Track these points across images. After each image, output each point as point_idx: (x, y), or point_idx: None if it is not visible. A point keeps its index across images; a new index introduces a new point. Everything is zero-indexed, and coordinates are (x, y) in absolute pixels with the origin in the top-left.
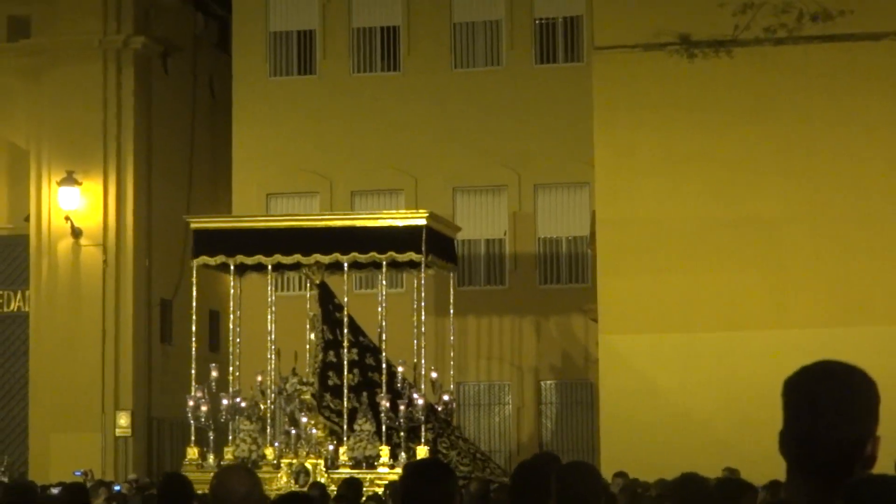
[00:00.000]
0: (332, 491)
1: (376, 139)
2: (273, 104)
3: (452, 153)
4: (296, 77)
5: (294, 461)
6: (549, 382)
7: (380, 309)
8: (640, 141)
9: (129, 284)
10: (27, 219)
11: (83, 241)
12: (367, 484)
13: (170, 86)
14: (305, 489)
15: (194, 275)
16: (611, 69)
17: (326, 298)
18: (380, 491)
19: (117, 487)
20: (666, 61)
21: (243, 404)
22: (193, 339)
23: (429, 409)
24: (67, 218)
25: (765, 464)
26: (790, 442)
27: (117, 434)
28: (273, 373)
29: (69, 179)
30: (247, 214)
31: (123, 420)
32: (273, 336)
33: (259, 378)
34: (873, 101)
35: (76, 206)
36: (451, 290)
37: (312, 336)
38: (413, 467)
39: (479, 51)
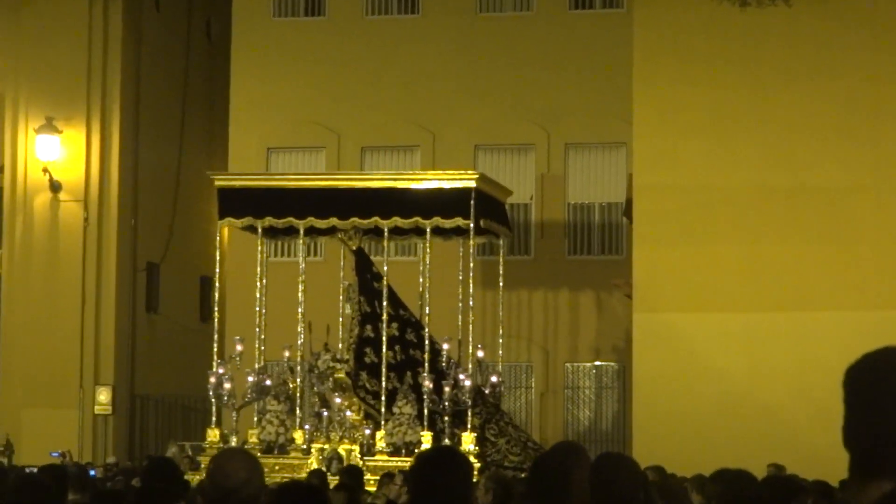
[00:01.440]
0: (369, 480)
1: (391, 90)
2: (276, 48)
3: (475, 107)
4: (302, 18)
5: (326, 446)
6: (576, 365)
7: (421, 280)
8: (685, 98)
9: (113, 245)
10: (0, 170)
11: (62, 195)
12: None
13: (162, 25)
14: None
15: (217, 237)
16: (654, 17)
17: (364, 267)
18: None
19: (92, 472)
20: (715, 9)
21: (268, 382)
22: (216, 309)
23: (476, 391)
24: (45, 170)
25: (811, 462)
26: (853, 438)
27: (96, 411)
28: (302, 348)
29: (48, 126)
30: (277, 173)
31: (103, 396)
32: (303, 308)
33: (286, 354)
34: None
35: (55, 157)
36: (501, 259)
37: (347, 308)
38: (424, 456)
39: None
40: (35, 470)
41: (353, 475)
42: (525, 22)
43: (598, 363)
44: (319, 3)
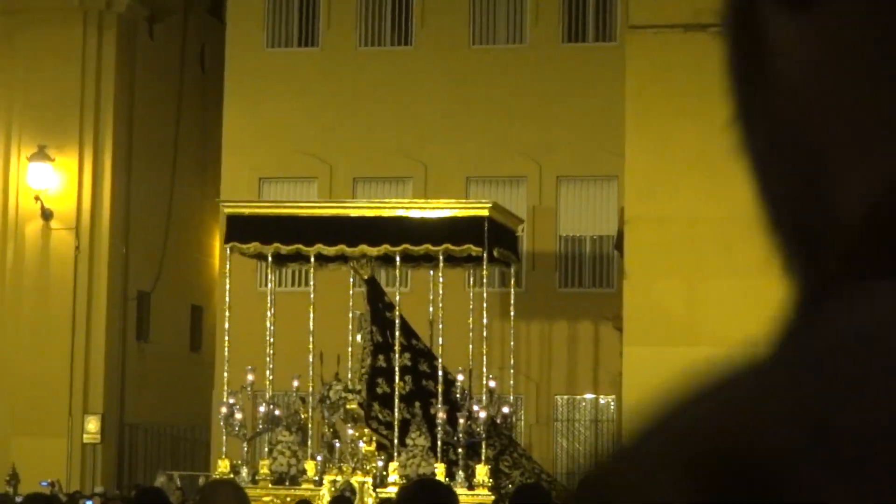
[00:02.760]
0: None
1: (383, 121)
2: (269, 78)
3: (467, 139)
4: (296, 49)
5: (339, 478)
6: (565, 397)
7: (431, 309)
8: (677, 131)
9: (104, 274)
10: None
11: (54, 223)
12: None
13: (156, 54)
14: None
15: (228, 263)
16: (646, 51)
17: (376, 296)
18: None
19: (89, 502)
20: (708, 44)
21: (277, 412)
22: (227, 338)
23: (490, 423)
24: (37, 198)
25: None
26: None
27: (85, 440)
28: (312, 378)
29: (41, 154)
30: (286, 200)
31: (92, 425)
32: (313, 338)
33: (295, 384)
34: None
35: (48, 185)
36: (512, 289)
37: (359, 338)
38: (406, 488)
39: (500, 25)
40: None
41: None
42: (518, 54)
43: (588, 396)
44: (313, 33)
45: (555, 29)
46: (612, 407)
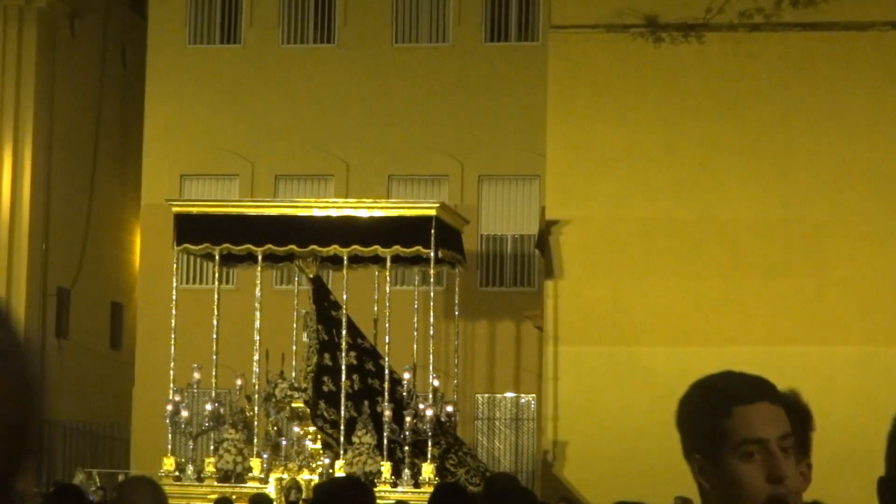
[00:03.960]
0: None
1: (305, 119)
2: (191, 75)
3: (389, 137)
4: (218, 46)
5: (285, 475)
6: (485, 396)
7: (376, 308)
8: (598, 132)
9: (23, 270)
10: None
11: None
12: None
13: (77, 50)
14: None
15: (175, 261)
16: (568, 51)
17: (322, 295)
18: None
19: None
20: (629, 45)
21: (220, 410)
22: (173, 336)
23: (435, 421)
24: None
25: None
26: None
27: None
28: (257, 377)
29: None
30: (236, 199)
31: None
32: (259, 337)
33: (239, 382)
34: (855, 96)
35: None
36: (457, 288)
37: (305, 336)
38: (322, 486)
39: (423, 24)
40: None
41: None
42: (440, 53)
43: (509, 394)
44: (235, 31)
45: (477, 28)
46: (532, 406)
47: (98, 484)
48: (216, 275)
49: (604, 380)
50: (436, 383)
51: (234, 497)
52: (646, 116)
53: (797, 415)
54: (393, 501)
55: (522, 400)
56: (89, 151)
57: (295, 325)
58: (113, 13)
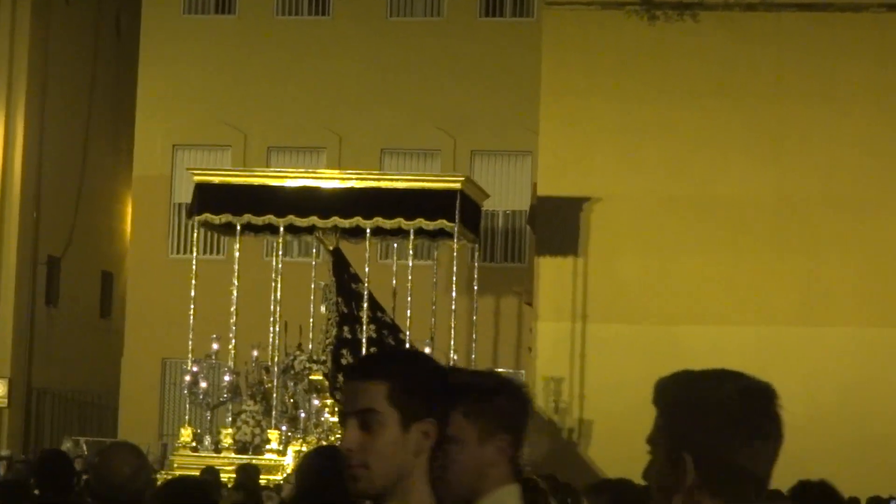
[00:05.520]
0: None
1: (298, 91)
2: (185, 45)
3: (382, 111)
4: (212, 16)
5: (303, 447)
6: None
7: (394, 282)
8: (591, 109)
9: (14, 238)
10: None
11: None
12: None
13: (71, 18)
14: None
15: (195, 232)
16: (563, 27)
17: (341, 267)
18: None
19: None
20: (624, 22)
21: (238, 381)
22: (192, 306)
23: None
24: None
25: None
26: None
27: None
28: (273, 349)
29: None
30: (257, 168)
31: None
32: (278, 308)
33: (255, 353)
34: (849, 76)
35: None
36: (477, 263)
37: (323, 309)
38: (309, 454)
39: None
40: None
41: (249, 474)
42: (434, 27)
43: (499, 370)
44: (230, 1)
45: (472, 3)
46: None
47: (85, 452)
48: (237, 246)
49: (591, 354)
50: (454, 358)
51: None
52: (639, 93)
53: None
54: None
55: (514, 374)
56: (82, 120)
57: (312, 298)
58: None
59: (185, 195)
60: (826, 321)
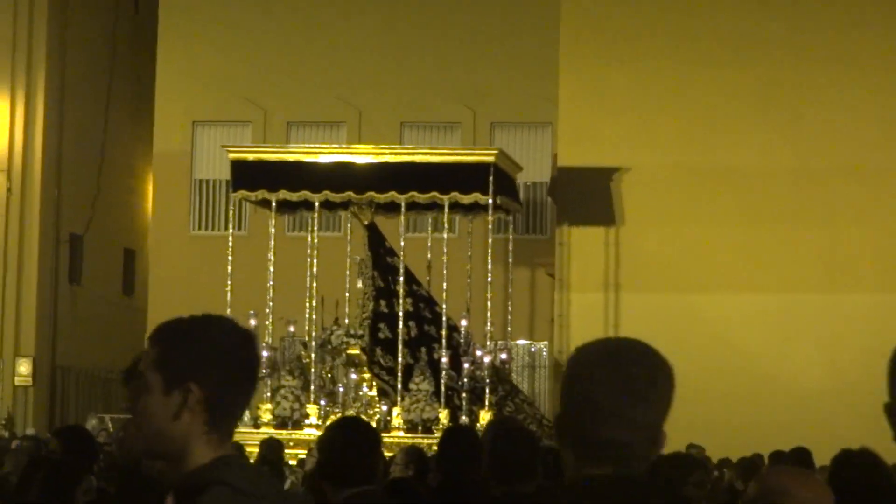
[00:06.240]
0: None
1: (318, 65)
2: (203, 22)
3: (401, 84)
4: None
5: None
6: (499, 343)
7: (429, 256)
8: (609, 79)
9: (36, 216)
10: None
11: None
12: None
13: None
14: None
15: (233, 209)
16: None
17: (377, 241)
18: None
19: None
20: None
21: (276, 357)
22: (229, 283)
23: (493, 368)
24: None
25: (733, 438)
26: None
27: (17, 383)
28: (308, 323)
29: None
30: (292, 144)
31: (24, 367)
32: (314, 283)
33: (291, 329)
34: (867, 41)
35: None
36: (511, 235)
37: (360, 283)
38: (331, 426)
39: None
40: None
41: (273, 447)
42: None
43: (521, 342)
44: None
45: None
46: (544, 353)
47: (110, 429)
48: (273, 221)
49: (615, 325)
50: (489, 329)
51: (290, 443)
52: (657, 64)
53: None
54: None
55: (534, 348)
56: (102, 98)
57: (348, 273)
58: None
59: (205, 171)
60: (847, 288)
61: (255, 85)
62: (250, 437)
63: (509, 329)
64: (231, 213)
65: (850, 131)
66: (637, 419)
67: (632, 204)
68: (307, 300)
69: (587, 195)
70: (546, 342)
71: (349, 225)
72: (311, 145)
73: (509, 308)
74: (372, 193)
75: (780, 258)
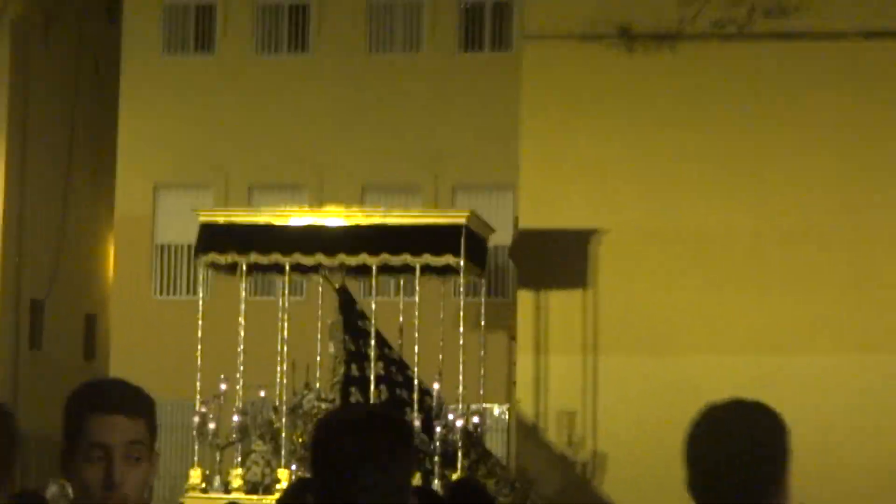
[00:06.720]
0: None
1: (278, 128)
2: (165, 85)
3: (363, 147)
4: (192, 56)
5: None
6: (471, 406)
7: (401, 319)
8: (571, 141)
9: None
10: None
11: None
12: None
13: (50, 59)
14: None
15: (202, 274)
16: (542, 60)
17: (348, 305)
18: None
19: None
20: (603, 54)
21: (247, 421)
22: (199, 346)
23: (465, 432)
24: None
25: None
26: None
27: None
28: (280, 388)
29: None
30: (262, 208)
31: None
32: (284, 347)
33: (262, 393)
34: (827, 105)
35: None
36: (483, 298)
37: (331, 347)
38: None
39: (397, 34)
40: None
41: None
42: (414, 62)
43: (484, 405)
44: (209, 40)
45: (451, 37)
46: (505, 416)
47: (70, 496)
48: (243, 285)
49: (574, 388)
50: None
51: None
52: (619, 126)
53: None
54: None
55: (497, 411)
56: (63, 161)
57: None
58: (87, 22)
59: (166, 235)
60: (806, 350)
61: (216, 148)
62: (219, 503)
63: (482, 392)
64: (201, 276)
65: (806, 195)
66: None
67: (595, 266)
68: (278, 364)
69: (549, 258)
70: (507, 405)
71: (320, 289)
72: (280, 209)
73: (482, 372)
74: (342, 256)
75: (733, 319)
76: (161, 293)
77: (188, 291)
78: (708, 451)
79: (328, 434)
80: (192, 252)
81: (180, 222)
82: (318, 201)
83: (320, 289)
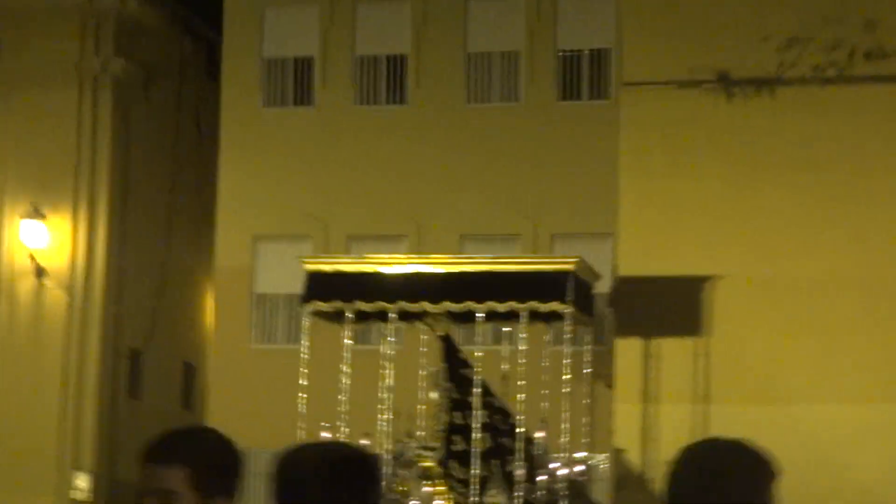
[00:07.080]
0: None
1: (378, 179)
2: (265, 138)
3: (462, 197)
4: (291, 108)
5: None
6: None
7: (504, 367)
8: (671, 189)
9: (96, 332)
10: None
11: (47, 281)
12: None
13: (151, 115)
14: None
15: (303, 322)
16: (640, 108)
17: (451, 353)
18: None
19: None
20: (702, 99)
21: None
22: (303, 395)
23: (570, 482)
24: (31, 256)
25: None
26: None
27: (76, 498)
28: (383, 436)
29: (34, 213)
30: (366, 256)
31: (82, 482)
32: (389, 395)
33: (366, 442)
34: None
35: (41, 244)
36: (591, 347)
37: (435, 395)
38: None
39: (495, 84)
40: None
41: None
42: (512, 112)
43: (582, 454)
44: (308, 93)
45: (549, 87)
46: (603, 466)
47: None
48: (347, 333)
49: (675, 437)
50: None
51: None
52: (718, 173)
53: None
54: None
55: (598, 458)
56: (163, 215)
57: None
58: (187, 78)
59: (265, 286)
60: None
61: (315, 199)
62: None
63: (587, 440)
64: (304, 324)
65: None
66: None
67: (692, 315)
68: (378, 412)
69: (652, 305)
70: (606, 454)
71: (422, 336)
72: (385, 256)
73: (584, 420)
74: (447, 303)
75: (846, 367)
76: (260, 342)
77: (286, 340)
78: (687, 489)
79: (285, 469)
80: (291, 301)
81: (279, 273)
82: (417, 251)
83: (422, 336)
